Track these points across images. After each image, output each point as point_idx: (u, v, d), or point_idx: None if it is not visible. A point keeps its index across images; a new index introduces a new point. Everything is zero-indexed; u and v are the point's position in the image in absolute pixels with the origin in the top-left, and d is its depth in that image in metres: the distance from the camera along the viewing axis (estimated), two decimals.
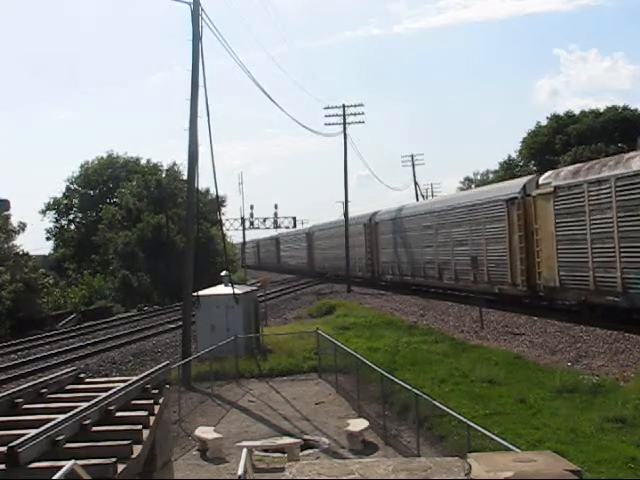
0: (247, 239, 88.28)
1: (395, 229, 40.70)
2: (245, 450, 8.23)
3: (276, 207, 64.52)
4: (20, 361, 24.40)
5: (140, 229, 52.96)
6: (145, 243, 52.41)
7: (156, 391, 7.82)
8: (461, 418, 9.87)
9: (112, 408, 6.70)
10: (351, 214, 48.72)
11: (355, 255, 47.56)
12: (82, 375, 8.81)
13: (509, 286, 26.26)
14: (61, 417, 5.91)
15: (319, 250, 60.93)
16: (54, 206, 75.14)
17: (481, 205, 28.86)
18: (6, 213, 44.80)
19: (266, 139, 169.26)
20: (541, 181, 24.16)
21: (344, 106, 46.54)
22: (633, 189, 18.76)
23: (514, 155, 70.81)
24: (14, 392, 7.24)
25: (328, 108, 46.91)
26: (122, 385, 7.48)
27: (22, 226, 46.09)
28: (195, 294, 20.96)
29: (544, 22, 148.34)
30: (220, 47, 26.70)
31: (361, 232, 47.21)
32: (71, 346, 27.46)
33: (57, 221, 76.01)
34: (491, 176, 74.04)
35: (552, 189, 22.79)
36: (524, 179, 27.28)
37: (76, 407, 6.31)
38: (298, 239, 70.94)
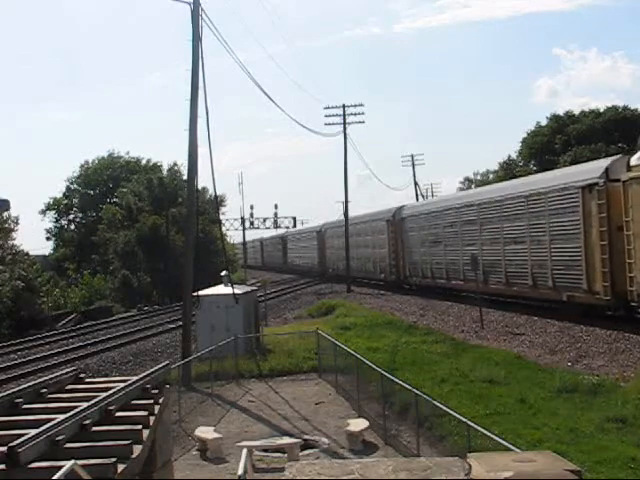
0: (249, 238, 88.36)
1: (426, 225, 35.23)
2: (245, 450, 8.23)
3: (276, 207, 64.74)
4: (20, 361, 24.39)
5: (138, 229, 52.98)
6: (144, 243, 52.44)
7: (156, 391, 7.81)
8: (461, 418, 9.87)
9: (112, 408, 6.69)
10: (363, 211, 47.54)
11: (376, 256, 43.76)
12: (82, 375, 8.80)
13: (583, 293, 21.40)
14: (61, 417, 5.90)
15: (333, 250, 55.71)
16: (54, 206, 75.23)
17: (545, 194, 23.52)
18: (6, 213, 44.85)
19: (266, 139, 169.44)
20: (635, 162, 19.15)
21: (344, 106, 46.53)
22: None
23: (514, 155, 70.90)
24: (14, 392, 7.23)
25: (328, 108, 46.92)
26: (122, 385, 7.47)
27: (15, 220, 46.21)
28: (195, 294, 20.97)
29: (544, 21, 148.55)
30: (220, 46, 26.89)
31: (383, 229, 42.40)
32: (71, 346, 27.46)
33: (57, 221, 76.20)
34: (491, 176, 74.06)
35: None
36: (605, 161, 22.08)
37: (76, 407, 6.31)
38: (307, 238, 66.33)
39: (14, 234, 46.09)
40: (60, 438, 5.60)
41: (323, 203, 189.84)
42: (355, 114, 46.53)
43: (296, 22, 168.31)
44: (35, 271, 44.67)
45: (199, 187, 42.48)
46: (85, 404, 6.44)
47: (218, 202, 34.33)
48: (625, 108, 62.32)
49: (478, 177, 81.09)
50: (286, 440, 12.41)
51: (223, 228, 51.00)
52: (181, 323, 21.02)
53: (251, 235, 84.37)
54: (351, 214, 48.86)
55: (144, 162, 73.05)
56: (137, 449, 5.98)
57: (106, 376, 17.63)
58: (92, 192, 74.04)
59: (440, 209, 33.58)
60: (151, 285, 52.11)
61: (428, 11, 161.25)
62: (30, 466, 5.15)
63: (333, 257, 55.72)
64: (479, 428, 9.21)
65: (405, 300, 34.60)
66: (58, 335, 32.87)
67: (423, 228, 35.73)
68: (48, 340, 30.70)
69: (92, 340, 28.70)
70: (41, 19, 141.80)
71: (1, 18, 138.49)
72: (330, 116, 46.69)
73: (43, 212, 75.19)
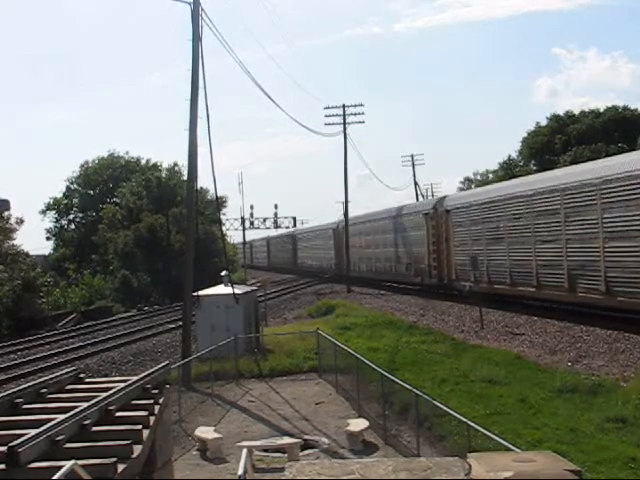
0: (254, 237, 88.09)
1: (481, 218, 28.90)
2: (245, 450, 8.23)
3: (276, 207, 64.56)
4: (20, 361, 24.40)
5: (137, 229, 53.01)
6: (143, 243, 52.45)
7: (156, 391, 7.81)
8: (461, 418, 9.87)
9: (112, 408, 6.69)
10: (363, 211, 45.24)
11: (409, 256, 38.08)
12: (82, 375, 8.80)
13: None
14: (61, 417, 5.90)
15: (353, 249, 48.49)
16: (54, 206, 75.25)
17: None
18: (7, 213, 44.88)
19: (266, 139, 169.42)
20: None
21: (344, 106, 46.51)
22: None
23: (514, 155, 70.93)
24: (14, 392, 7.23)
25: (328, 108, 46.89)
26: (122, 385, 7.47)
27: (19, 221, 46.30)
28: (195, 294, 20.97)
29: (543, 21, 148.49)
30: (220, 46, 26.93)
31: (420, 225, 36.19)
32: (71, 346, 27.47)
33: (57, 221, 76.22)
34: (491, 176, 74.04)
35: None
36: None
37: (76, 407, 6.30)
38: (322, 236, 59.57)
39: (14, 234, 46.18)
40: (60, 438, 5.59)
41: (323, 203, 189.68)
42: (355, 114, 46.53)
43: (296, 22, 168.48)
44: (36, 273, 44.64)
45: (199, 187, 42.62)
46: (85, 404, 6.44)
47: (219, 202, 34.25)
48: (625, 108, 62.36)
49: (478, 177, 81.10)
50: (286, 440, 12.41)
51: (223, 228, 50.97)
52: (181, 323, 21.02)
53: (251, 235, 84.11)
54: (352, 213, 48.61)
55: (144, 162, 73.10)
56: (137, 449, 5.98)
57: (106, 376, 17.64)
58: (92, 192, 74.09)
59: (502, 198, 27.05)
60: (151, 285, 52.12)
61: (428, 10, 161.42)
62: (30, 466, 5.15)
63: (354, 257, 48.83)
64: (479, 428, 9.21)
65: (405, 300, 34.59)
66: (58, 335, 32.89)
67: (476, 222, 29.27)
68: (48, 340, 30.71)
69: (92, 340, 28.70)
70: (41, 19, 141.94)
71: (1, 18, 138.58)
72: (330, 116, 46.70)
73: (43, 212, 75.30)
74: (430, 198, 38.69)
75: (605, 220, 20.06)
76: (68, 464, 4.98)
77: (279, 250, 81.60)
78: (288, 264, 73.75)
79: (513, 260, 26.04)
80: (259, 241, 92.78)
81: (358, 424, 12.72)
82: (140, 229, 52.60)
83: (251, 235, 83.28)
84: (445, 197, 35.60)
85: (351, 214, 48.36)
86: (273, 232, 75.44)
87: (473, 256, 26.24)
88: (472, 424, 9.38)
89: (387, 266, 42.06)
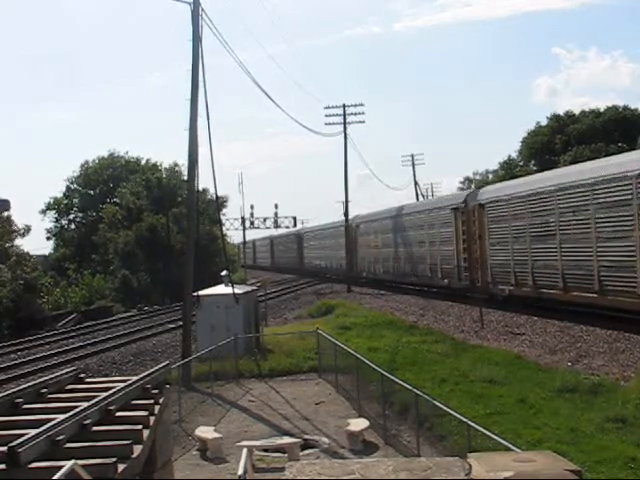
0: (255, 237, 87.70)
1: (524, 212, 24.91)
2: (245, 450, 8.23)
3: (276, 207, 64.45)
4: (20, 361, 24.42)
5: (138, 229, 53.03)
6: (144, 243, 52.48)
7: (156, 391, 7.81)
8: (461, 418, 9.87)
9: (112, 408, 6.69)
10: (364, 211, 44.25)
11: (434, 255, 34.17)
12: (82, 375, 8.80)
13: None
14: (61, 417, 5.90)
15: (369, 249, 45.50)
16: (54, 206, 75.30)
17: None
18: (7, 213, 44.94)
19: (266, 139, 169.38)
20: None
21: (344, 106, 46.55)
22: None
23: (514, 155, 70.94)
24: (14, 392, 7.23)
25: (328, 108, 46.93)
26: (122, 385, 7.47)
27: (27, 229, 46.59)
28: (195, 294, 20.97)
29: (544, 20, 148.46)
30: (220, 45, 26.86)
31: (448, 221, 32.42)
32: (71, 346, 27.48)
33: (57, 221, 76.29)
34: (491, 176, 74.06)
35: None
36: None
37: (76, 407, 6.31)
38: (332, 235, 55.08)
39: (14, 235, 46.23)
40: (60, 438, 5.59)
41: (323, 203, 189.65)
42: (355, 114, 46.58)
43: (296, 22, 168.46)
44: (38, 273, 44.70)
45: (200, 187, 42.56)
46: (85, 404, 6.44)
47: (219, 203, 34.25)
48: (625, 108, 62.35)
49: (478, 177, 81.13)
50: (286, 440, 12.41)
51: (223, 228, 50.99)
52: (181, 323, 21.03)
53: (251, 235, 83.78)
54: (352, 213, 48.39)
55: (144, 162, 73.13)
56: (137, 449, 5.98)
57: (106, 376, 17.64)
58: (92, 192, 74.14)
59: (552, 189, 23.10)
60: (151, 285, 52.13)
61: (428, 10, 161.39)
62: (30, 466, 5.15)
63: (369, 258, 45.64)
64: (479, 428, 9.20)
65: (405, 300, 34.58)
66: (58, 335, 32.90)
67: (518, 217, 25.48)
68: (48, 340, 30.72)
69: (92, 340, 28.71)
70: (41, 19, 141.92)
71: (1, 18, 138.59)
72: (330, 116, 46.74)
73: (43, 212, 75.38)
74: (458, 191, 34.51)
75: None
76: (68, 464, 4.98)
77: (284, 250, 78.48)
78: (293, 264, 71.09)
79: (567, 261, 22.16)
80: (262, 240, 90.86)
81: (358, 424, 12.72)
82: (142, 229, 52.62)
83: (251, 235, 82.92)
84: (478, 190, 31.98)
85: (352, 213, 48.21)
86: (275, 231, 72.34)
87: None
88: (472, 424, 9.38)
89: (407, 267, 38.15)
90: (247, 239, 63.35)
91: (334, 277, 52.78)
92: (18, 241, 46.78)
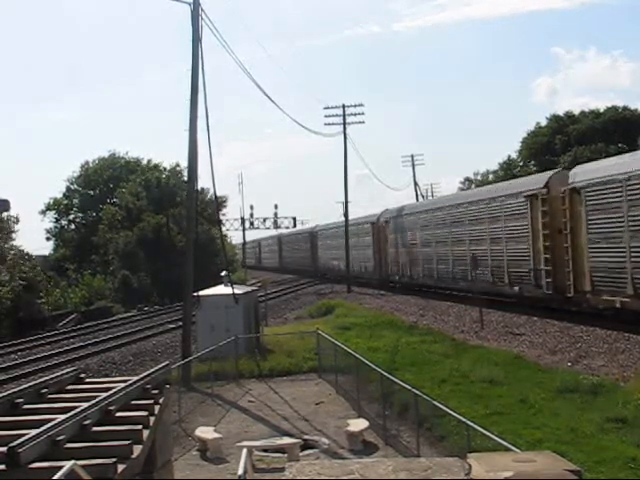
0: (263, 235, 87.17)
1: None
2: (245, 450, 8.24)
3: (276, 207, 64.44)
4: (20, 361, 24.41)
5: (140, 229, 53.05)
6: (145, 243, 52.49)
7: (156, 391, 7.82)
8: (461, 418, 9.88)
9: (112, 408, 6.70)
10: (363, 212, 42.49)
11: (497, 256, 27.15)
12: (82, 375, 8.81)
13: None
14: (61, 417, 5.91)
15: (403, 248, 38.96)
16: (54, 206, 75.26)
17: None
18: (6, 213, 44.95)
19: (266, 139, 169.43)
20: None
21: (344, 106, 46.55)
22: None
23: (514, 155, 70.94)
24: (14, 392, 7.24)
25: (328, 108, 46.92)
26: (122, 385, 7.47)
27: (15, 220, 46.34)
28: (195, 294, 20.97)
29: (543, 20, 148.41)
30: (220, 45, 26.72)
31: (520, 213, 25.42)
32: (71, 346, 27.48)
33: (57, 221, 76.21)
34: (491, 176, 74.04)
35: None
36: None
37: (76, 407, 6.31)
38: (354, 232, 47.54)
39: (14, 234, 46.26)
40: (60, 438, 5.60)
41: (323, 203, 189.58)
42: (355, 114, 46.57)
43: (296, 22, 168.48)
44: (36, 272, 44.68)
45: (199, 187, 42.62)
46: (85, 404, 6.44)
47: (219, 203, 34.22)
48: (625, 108, 62.43)
49: (478, 177, 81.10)
50: (286, 440, 12.41)
51: (223, 228, 51.01)
52: (181, 323, 21.03)
53: (251, 235, 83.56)
54: (352, 214, 48.14)
55: (144, 162, 73.13)
56: (137, 449, 5.99)
57: (106, 376, 17.64)
58: (92, 192, 74.11)
59: None
60: (151, 285, 52.13)
61: (428, 10, 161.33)
62: (30, 466, 5.16)
63: (402, 259, 39.15)
64: (479, 428, 9.21)
65: (405, 300, 34.58)
66: (58, 335, 32.89)
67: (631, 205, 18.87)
68: (48, 340, 30.72)
69: (92, 340, 28.71)
70: (41, 19, 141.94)
71: (1, 18, 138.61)
72: (330, 116, 46.74)
73: (43, 212, 75.32)
74: (535, 175, 26.96)
75: None
76: (68, 464, 4.98)
77: (294, 250, 71.73)
78: (306, 266, 64.53)
79: None
80: (268, 240, 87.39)
81: (358, 424, 12.72)
82: (145, 229, 52.61)
83: (251, 235, 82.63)
84: (566, 170, 24.64)
85: (355, 214, 47.81)
86: (275, 232, 69.53)
87: (474, 256, 23.86)
88: (472, 424, 9.39)
89: (459, 271, 30.94)
90: (249, 239, 63.13)
91: (362, 280, 46.31)
92: (17, 242, 46.77)
